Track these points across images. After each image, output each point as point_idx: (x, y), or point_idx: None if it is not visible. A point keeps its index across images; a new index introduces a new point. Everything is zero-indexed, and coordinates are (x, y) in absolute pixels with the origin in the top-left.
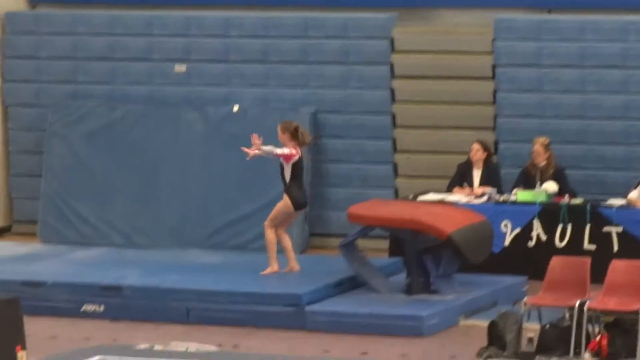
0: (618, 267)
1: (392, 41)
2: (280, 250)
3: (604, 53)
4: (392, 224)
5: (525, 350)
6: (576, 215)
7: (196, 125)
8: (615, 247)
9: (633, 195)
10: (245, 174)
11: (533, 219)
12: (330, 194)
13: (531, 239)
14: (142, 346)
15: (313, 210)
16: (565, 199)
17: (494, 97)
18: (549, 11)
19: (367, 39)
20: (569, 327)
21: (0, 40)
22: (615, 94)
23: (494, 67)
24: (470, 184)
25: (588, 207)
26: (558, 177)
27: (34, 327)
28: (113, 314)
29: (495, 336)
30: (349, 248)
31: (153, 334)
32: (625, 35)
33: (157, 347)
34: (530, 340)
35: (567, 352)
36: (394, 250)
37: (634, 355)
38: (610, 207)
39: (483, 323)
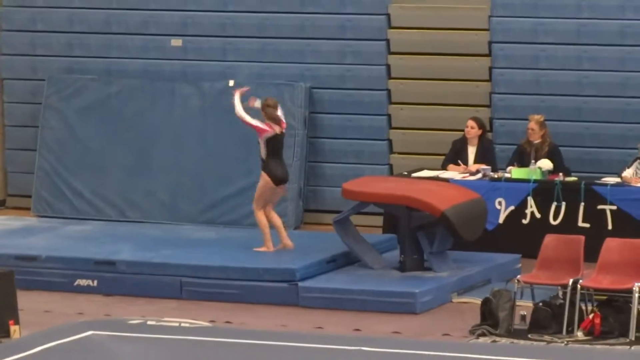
0: (612, 246)
1: (388, 17)
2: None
3: (600, 30)
4: (386, 200)
5: (518, 328)
6: (570, 193)
7: (192, 99)
8: (610, 225)
9: (627, 173)
10: (240, 150)
11: (527, 196)
12: (324, 170)
13: (525, 216)
14: (135, 321)
15: (307, 185)
16: (560, 176)
17: (490, 74)
18: None
19: (364, 15)
20: (562, 305)
21: None
22: (611, 72)
23: (490, 43)
24: (465, 161)
25: (582, 185)
26: (553, 154)
27: (28, 301)
28: (106, 289)
29: (488, 313)
30: (343, 224)
31: (146, 309)
32: (623, 12)
33: (150, 322)
34: (523, 317)
35: (560, 330)
36: (387, 227)
37: (627, 334)
38: (605, 185)
39: (476, 300)
